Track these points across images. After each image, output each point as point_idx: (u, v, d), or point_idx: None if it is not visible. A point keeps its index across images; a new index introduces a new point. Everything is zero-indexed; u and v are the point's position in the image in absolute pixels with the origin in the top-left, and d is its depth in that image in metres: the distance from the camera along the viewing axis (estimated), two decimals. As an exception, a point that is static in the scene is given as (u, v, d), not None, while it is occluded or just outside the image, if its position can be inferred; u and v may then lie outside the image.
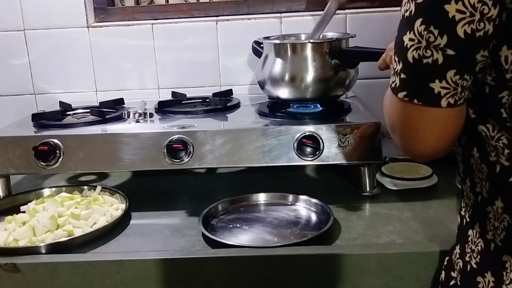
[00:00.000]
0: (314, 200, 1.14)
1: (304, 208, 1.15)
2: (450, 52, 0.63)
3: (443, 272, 0.84)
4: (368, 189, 1.20)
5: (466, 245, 0.76)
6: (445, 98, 0.65)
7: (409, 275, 0.93)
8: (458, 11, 0.61)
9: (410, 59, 0.65)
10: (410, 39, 0.65)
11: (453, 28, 0.62)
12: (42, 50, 1.59)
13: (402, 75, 0.67)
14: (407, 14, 0.65)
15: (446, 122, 0.68)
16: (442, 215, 1.09)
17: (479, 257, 0.73)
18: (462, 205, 0.80)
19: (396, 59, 0.68)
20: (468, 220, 0.77)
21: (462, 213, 0.79)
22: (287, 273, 0.95)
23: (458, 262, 0.78)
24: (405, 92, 0.67)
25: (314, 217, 1.11)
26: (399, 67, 0.68)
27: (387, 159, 1.33)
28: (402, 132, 0.72)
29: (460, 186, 1.05)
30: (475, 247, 0.74)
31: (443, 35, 0.62)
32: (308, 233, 1.03)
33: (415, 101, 0.67)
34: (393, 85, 0.70)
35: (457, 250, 0.79)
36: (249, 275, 0.95)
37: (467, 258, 0.76)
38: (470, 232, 0.76)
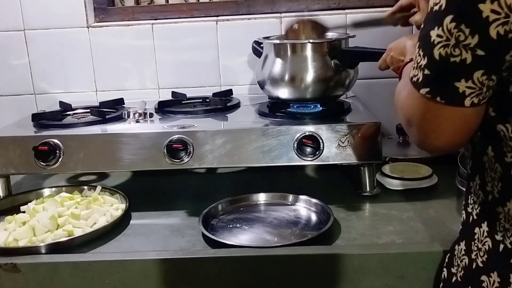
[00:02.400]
0: (314, 200, 1.14)
1: (304, 208, 1.15)
2: (480, 52, 0.61)
3: (445, 269, 0.84)
4: (368, 189, 1.20)
5: (473, 243, 0.75)
6: (469, 98, 0.64)
7: (409, 275, 0.93)
8: (493, 11, 0.59)
9: (436, 56, 0.64)
10: (438, 35, 0.63)
11: (485, 29, 0.59)
12: (42, 50, 1.59)
13: (426, 71, 0.66)
14: (436, 8, 0.63)
15: (467, 120, 0.67)
16: (442, 215, 1.09)
17: (486, 256, 0.73)
18: (469, 201, 0.78)
19: (421, 53, 0.66)
20: (475, 217, 0.76)
21: (469, 210, 0.78)
22: (287, 273, 0.95)
23: (464, 259, 0.77)
24: (428, 89, 0.66)
25: (314, 217, 1.11)
26: (423, 62, 0.66)
27: (387, 159, 1.33)
28: (421, 126, 0.71)
29: (459, 186, 1.06)
30: (482, 245, 0.73)
31: (475, 35, 0.60)
32: (308, 233, 1.03)
33: (438, 99, 0.65)
34: (414, 79, 0.68)
35: (462, 246, 0.78)
36: (249, 275, 0.95)
37: (473, 256, 0.75)
38: (476, 230, 0.75)
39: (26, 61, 1.60)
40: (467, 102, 0.64)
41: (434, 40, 0.63)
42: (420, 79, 0.67)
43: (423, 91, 0.67)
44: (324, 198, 1.14)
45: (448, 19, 0.61)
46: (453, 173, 1.10)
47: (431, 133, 0.70)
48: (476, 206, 0.76)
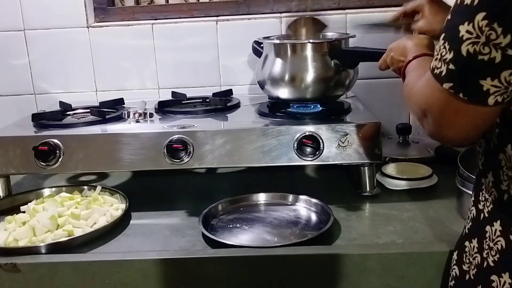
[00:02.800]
0: (314, 200, 1.14)
1: (304, 208, 1.15)
2: (510, 52, 0.59)
3: (455, 267, 0.82)
4: (368, 189, 1.20)
5: (484, 241, 0.74)
6: (493, 96, 0.63)
7: (409, 275, 0.93)
8: None
9: (464, 52, 0.62)
10: (468, 31, 0.61)
11: None
12: (42, 50, 1.59)
13: (451, 66, 0.64)
14: (467, 1, 0.61)
15: (486, 117, 0.67)
16: (442, 215, 1.09)
17: (498, 255, 0.71)
18: (480, 198, 0.77)
19: (447, 47, 0.65)
20: (486, 215, 0.75)
21: (480, 206, 0.77)
22: (287, 273, 0.95)
23: (476, 257, 0.76)
24: (451, 84, 0.65)
25: (314, 217, 1.11)
26: (448, 56, 0.65)
27: (387, 159, 1.33)
28: (437, 118, 0.70)
29: (459, 186, 1.06)
30: (494, 245, 0.72)
31: (507, 35, 0.59)
32: (308, 233, 1.03)
33: (461, 95, 0.64)
34: (437, 71, 0.67)
35: (475, 244, 0.77)
36: (249, 275, 0.95)
37: (484, 254, 0.74)
38: (488, 228, 0.74)
39: (26, 61, 1.60)
40: (491, 100, 0.63)
41: (462, 36, 0.62)
42: (444, 73, 0.66)
43: (446, 85, 0.66)
44: (324, 198, 1.14)
45: (480, 16, 0.60)
46: (453, 173, 1.10)
47: (448, 126, 0.69)
48: (488, 204, 0.75)
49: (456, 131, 0.69)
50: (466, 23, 0.62)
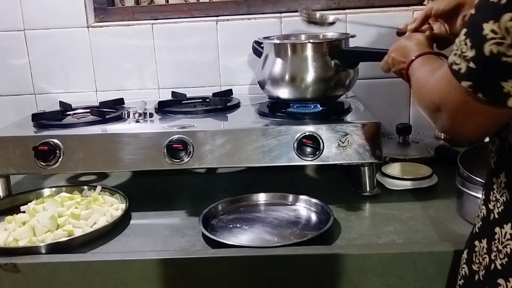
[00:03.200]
0: (314, 200, 1.14)
1: (304, 208, 1.15)
2: None
3: (464, 266, 0.81)
4: (368, 189, 1.20)
5: (492, 242, 0.73)
6: None
7: (409, 275, 0.93)
8: None
9: (487, 52, 0.60)
10: (492, 31, 0.59)
11: None
12: (42, 50, 1.59)
13: (471, 64, 0.62)
14: None
15: (503, 117, 0.66)
16: (442, 215, 1.09)
17: (506, 259, 0.70)
18: (490, 197, 0.76)
19: (468, 43, 0.62)
20: (496, 216, 0.74)
21: (490, 206, 0.75)
22: (287, 273, 0.95)
23: (485, 257, 0.75)
24: (470, 83, 0.63)
25: (314, 217, 1.11)
26: (470, 53, 0.62)
27: (387, 159, 1.33)
28: (453, 115, 0.69)
29: (460, 186, 1.06)
30: (503, 248, 0.71)
31: None
32: (308, 233, 1.03)
33: (480, 95, 0.63)
34: (455, 67, 0.65)
35: (484, 244, 0.76)
36: (249, 275, 0.95)
37: (492, 256, 0.73)
38: (497, 229, 0.73)
39: (26, 61, 1.60)
40: (511, 102, 0.61)
41: (486, 35, 0.60)
42: (463, 71, 0.64)
43: (465, 84, 0.64)
44: (324, 198, 1.14)
45: (507, 16, 0.57)
46: (453, 173, 1.10)
47: (463, 123, 0.68)
48: (498, 205, 0.74)
49: (471, 128, 0.68)
50: (491, 22, 0.59)
